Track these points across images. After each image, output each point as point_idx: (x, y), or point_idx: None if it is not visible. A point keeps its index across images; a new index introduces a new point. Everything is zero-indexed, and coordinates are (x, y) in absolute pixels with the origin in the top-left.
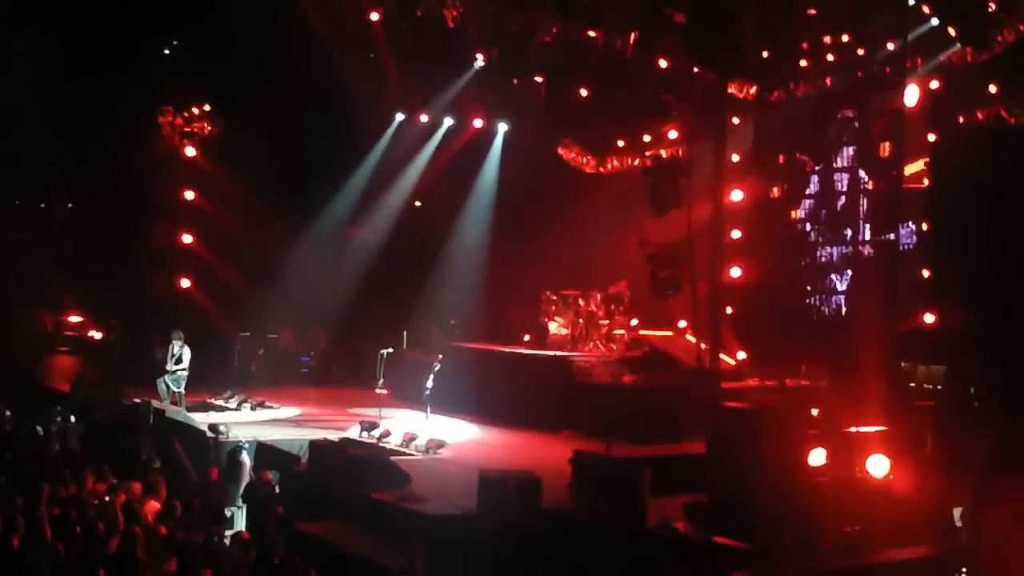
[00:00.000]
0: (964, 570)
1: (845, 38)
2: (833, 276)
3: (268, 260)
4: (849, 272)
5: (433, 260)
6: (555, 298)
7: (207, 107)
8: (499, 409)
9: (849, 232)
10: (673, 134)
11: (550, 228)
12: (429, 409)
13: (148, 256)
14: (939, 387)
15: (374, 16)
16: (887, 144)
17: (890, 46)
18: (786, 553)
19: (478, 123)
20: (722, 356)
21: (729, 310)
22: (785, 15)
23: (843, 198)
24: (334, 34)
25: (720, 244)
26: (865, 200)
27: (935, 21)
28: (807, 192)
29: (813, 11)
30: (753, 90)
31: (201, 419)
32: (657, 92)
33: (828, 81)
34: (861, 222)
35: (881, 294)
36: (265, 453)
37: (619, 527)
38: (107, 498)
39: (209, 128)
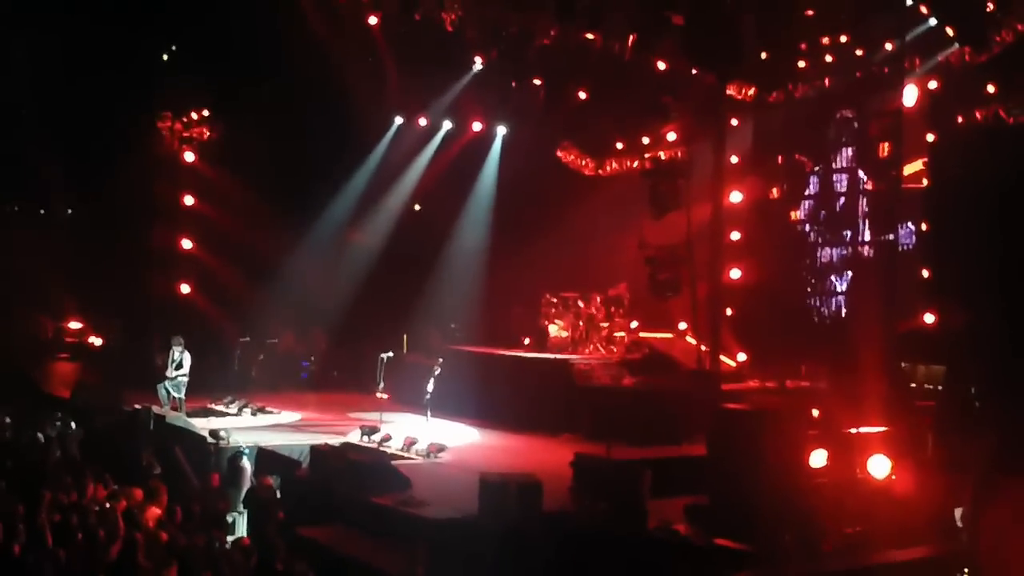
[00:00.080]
0: (966, 571)
1: (843, 39)
2: (833, 277)
3: (268, 264)
4: (849, 273)
5: (433, 263)
6: (555, 300)
7: (206, 112)
8: (499, 412)
9: (848, 233)
10: (672, 136)
11: (549, 230)
12: (429, 413)
13: (148, 260)
14: (939, 387)
15: (373, 19)
16: (886, 144)
17: (888, 46)
18: (787, 554)
19: (477, 126)
20: (722, 358)
21: (729, 312)
22: (784, 16)
23: (842, 199)
24: (333, 37)
25: (719, 245)
26: (864, 200)
27: (933, 21)
28: (806, 193)
29: (811, 12)
30: (752, 91)
31: (202, 424)
32: (656, 94)
33: (827, 82)
34: (860, 222)
35: (881, 294)
36: (266, 458)
37: (620, 530)
38: (108, 504)
39: (208, 133)
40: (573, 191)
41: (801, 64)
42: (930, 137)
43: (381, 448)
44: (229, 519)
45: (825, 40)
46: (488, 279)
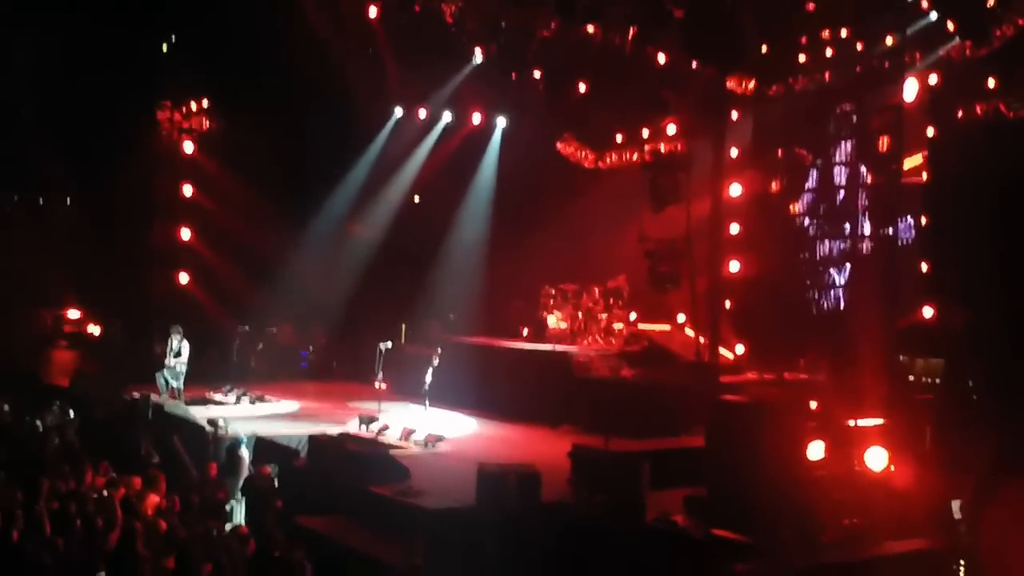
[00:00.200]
0: (962, 563)
1: (844, 33)
2: (832, 270)
3: (267, 255)
4: (848, 266)
5: (432, 255)
6: (554, 292)
7: (205, 103)
8: (498, 403)
9: (848, 226)
10: (672, 129)
11: (549, 223)
12: (428, 403)
13: (147, 252)
14: (938, 381)
15: (373, 11)
16: (886, 138)
17: (889, 41)
18: (785, 546)
19: (477, 118)
20: (721, 350)
21: (728, 304)
22: (784, 10)
23: (842, 192)
24: (333, 29)
25: (719, 239)
26: (864, 194)
27: (934, 16)
28: (806, 187)
29: (812, 5)
30: (752, 85)
31: (200, 413)
32: (656, 87)
33: (827, 76)
34: (860, 216)
35: (880, 288)
36: (264, 447)
37: (618, 521)
38: (106, 493)
39: (208, 124)
40: (573, 184)
41: (801, 58)
42: (930, 131)
43: (379, 438)
44: (227, 508)
45: (825, 34)
46: (487, 271)
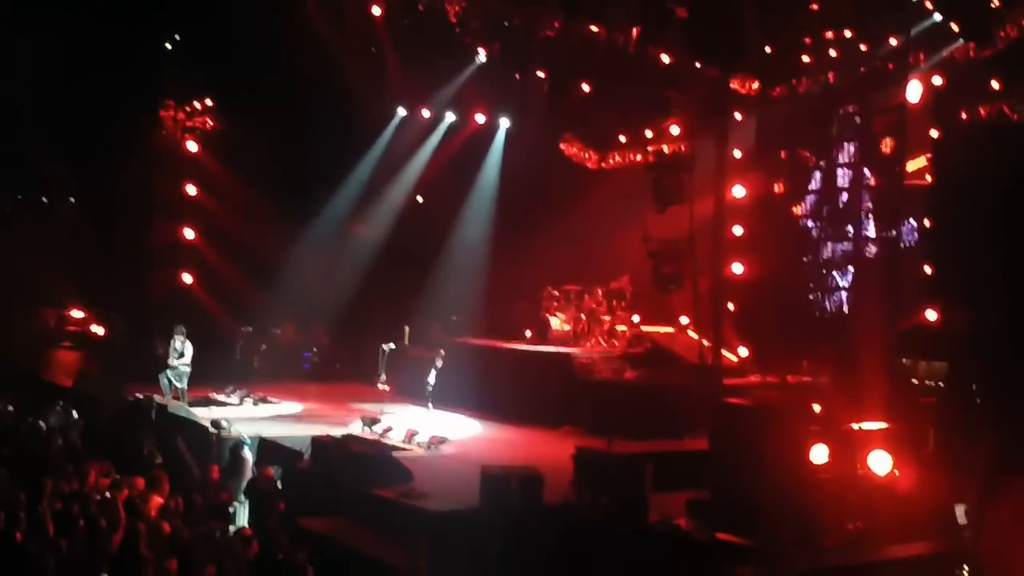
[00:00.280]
0: (966, 567)
1: (848, 34)
2: (835, 272)
3: (270, 255)
4: (851, 268)
5: (435, 256)
6: (557, 294)
7: (208, 102)
8: (501, 405)
9: (851, 228)
10: (675, 130)
11: (552, 223)
12: (431, 405)
13: (150, 252)
14: (941, 384)
15: (376, 11)
16: (889, 140)
17: (893, 42)
18: (788, 550)
19: (480, 118)
20: (724, 352)
21: (731, 306)
22: (787, 10)
23: (845, 194)
24: (335, 29)
25: (722, 240)
26: (867, 196)
27: (937, 17)
28: (809, 188)
29: (815, 6)
30: (755, 86)
31: (203, 414)
32: (659, 88)
33: (830, 77)
34: (863, 218)
35: (883, 291)
36: (267, 449)
37: (621, 524)
38: (108, 494)
39: (211, 123)
40: (576, 184)
41: (805, 59)
42: (934, 133)
43: (383, 440)
44: (230, 510)
45: (829, 35)
46: (490, 272)
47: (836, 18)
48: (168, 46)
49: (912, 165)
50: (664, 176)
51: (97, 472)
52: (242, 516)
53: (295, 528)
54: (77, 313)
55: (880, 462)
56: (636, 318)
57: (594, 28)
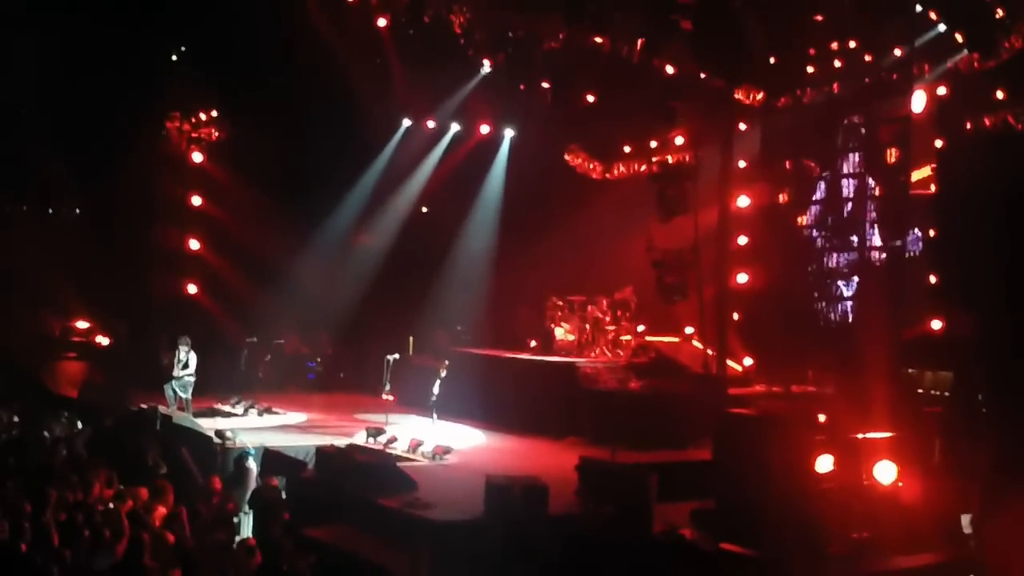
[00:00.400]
0: None
1: (852, 44)
2: (840, 282)
3: (275, 265)
4: (856, 278)
5: (439, 265)
6: (561, 304)
7: (214, 113)
8: (505, 415)
9: (856, 238)
10: (680, 140)
11: (556, 233)
12: (435, 415)
13: (155, 261)
14: (946, 393)
15: (381, 22)
16: (894, 150)
17: (897, 52)
18: (793, 560)
19: (485, 129)
20: (729, 362)
21: (736, 316)
22: (792, 21)
23: (850, 204)
24: (341, 40)
25: (727, 250)
26: (872, 206)
27: (942, 27)
28: (814, 198)
29: (820, 17)
30: (760, 96)
31: (208, 425)
32: (663, 98)
33: (835, 87)
34: (868, 228)
35: (888, 300)
36: (272, 459)
37: (625, 533)
38: (112, 505)
39: (216, 134)
40: (580, 194)
41: (810, 69)
42: (939, 143)
43: (387, 450)
44: (235, 519)
45: (834, 45)
46: (495, 281)
47: (841, 28)
48: (174, 57)
49: (917, 175)
50: (668, 186)
51: (101, 482)
52: (246, 526)
53: (299, 538)
54: (82, 323)
55: (885, 472)
56: (641, 328)
57: (598, 39)
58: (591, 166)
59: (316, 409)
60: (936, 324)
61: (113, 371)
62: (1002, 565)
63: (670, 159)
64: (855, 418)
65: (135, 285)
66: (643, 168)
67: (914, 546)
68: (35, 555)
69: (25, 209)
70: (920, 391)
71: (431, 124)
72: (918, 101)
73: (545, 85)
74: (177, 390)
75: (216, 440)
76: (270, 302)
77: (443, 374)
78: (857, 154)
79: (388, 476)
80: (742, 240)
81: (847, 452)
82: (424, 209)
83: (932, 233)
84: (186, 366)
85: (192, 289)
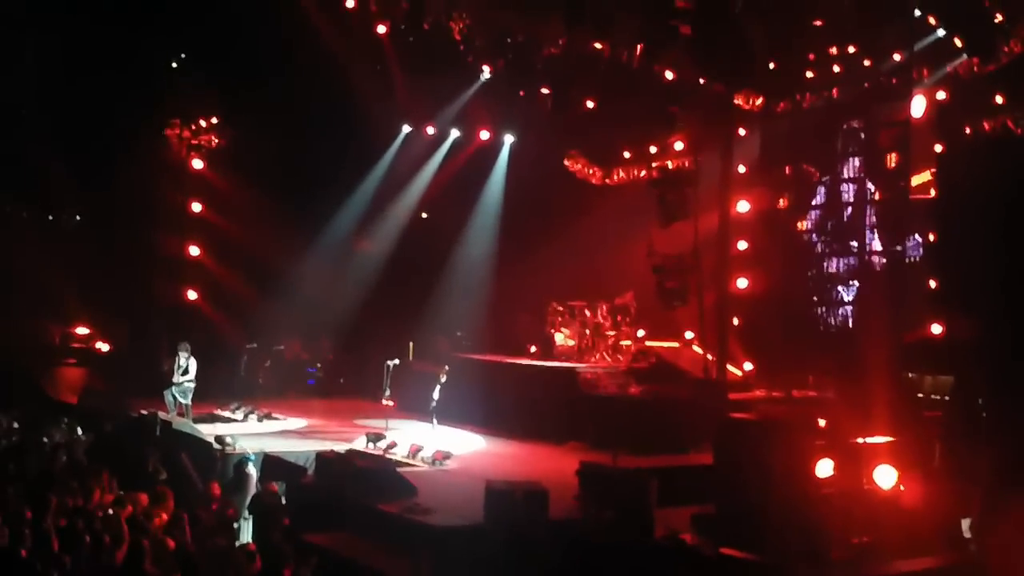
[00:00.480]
0: None
1: (852, 49)
2: (840, 287)
3: (275, 271)
4: (856, 283)
5: (439, 271)
6: (561, 309)
7: (214, 120)
8: (505, 420)
9: (856, 243)
10: (679, 145)
11: (556, 239)
12: (435, 420)
13: (155, 267)
14: (947, 398)
15: (381, 29)
16: (894, 155)
17: (897, 57)
18: (793, 564)
19: (484, 135)
20: (729, 367)
21: (736, 321)
22: (791, 26)
23: (849, 209)
24: (341, 47)
25: (727, 255)
26: (872, 211)
27: (941, 32)
28: (813, 203)
29: (820, 22)
30: (759, 101)
31: (208, 430)
32: (663, 103)
33: (835, 92)
34: (868, 232)
35: (888, 305)
36: (271, 464)
37: (626, 538)
38: (111, 511)
39: (216, 140)
40: (580, 200)
41: (809, 74)
42: (938, 148)
43: (387, 455)
44: (235, 525)
45: (833, 50)
46: (495, 287)
47: (840, 33)
48: (174, 64)
49: (916, 179)
50: (668, 191)
51: (101, 488)
52: (246, 532)
53: (299, 543)
54: (82, 330)
55: (886, 476)
56: (641, 333)
57: (598, 44)
58: (591, 171)
59: (316, 415)
60: (936, 328)
61: (113, 377)
62: (1004, 570)
63: (670, 164)
64: (855, 422)
65: (135, 291)
66: (643, 173)
67: (915, 550)
68: (35, 561)
69: (25, 216)
70: (920, 395)
71: (431, 130)
72: (918, 106)
73: (545, 91)
74: (177, 396)
75: (216, 446)
76: (270, 308)
77: (443, 379)
78: (857, 159)
79: (388, 481)
80: (742, 245)
81: (847, 456)
82: (424, 215)
83: (932, 238)
84: (186, 372)
85: (192, 295)
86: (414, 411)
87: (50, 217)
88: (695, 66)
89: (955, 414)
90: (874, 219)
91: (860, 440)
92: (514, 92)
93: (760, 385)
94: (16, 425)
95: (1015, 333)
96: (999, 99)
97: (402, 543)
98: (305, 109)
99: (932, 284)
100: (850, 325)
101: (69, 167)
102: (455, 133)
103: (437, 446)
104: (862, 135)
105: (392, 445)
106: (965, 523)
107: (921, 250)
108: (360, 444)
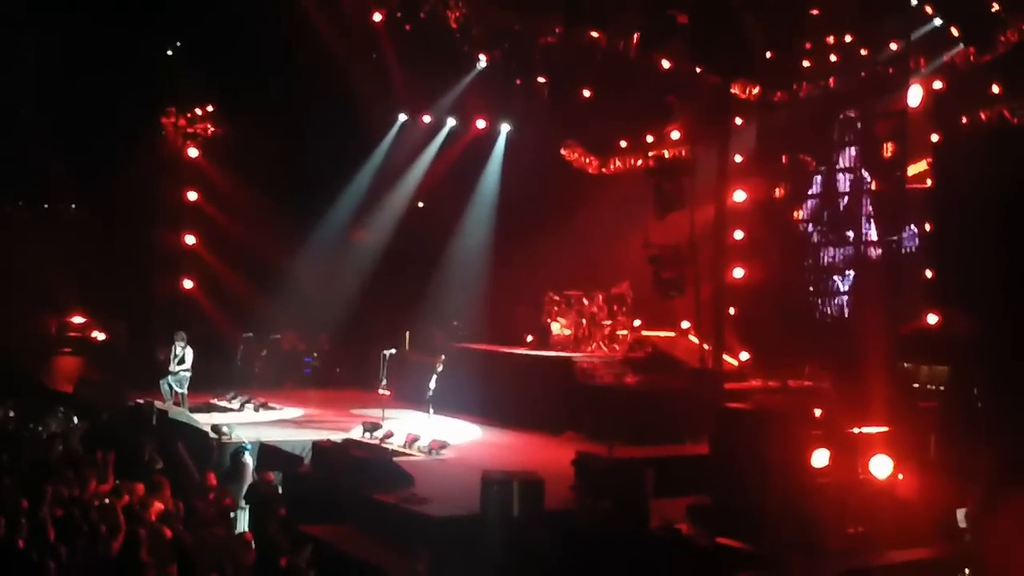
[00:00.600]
0: (967, 572)
1: (848, 38)
2: (836, 277)
3: (271, 261)
4: (852, 273)
5: (436, 261)
6: (558, 299)
7: (210, 108)
8: (502, 410)
9: (852, 233)
10: (676, 135)
11: (553, 229)
12: (432, 410)
13: (151, 257)
14: (942, 388)
15: (377, 17)
16: (890, 145)
17: (893, 46)
18: (789, 554)
19: (481, 124)
20: (725, 357)
21: (732, 311)
22: (788, 16)
23: (846, 199)
24: (337, 35)
25: (723, 245)
26: (868, 201)
27: (938, 21)
28: (810, 193)
29: (817, 11)
30: (756, 91)
31: (204, 420)
32: (660, 93)
33: (831, 81)
34: (864, 222)
35: (884, 295)
36: (268, 454)
37: (622, 528)
38: (107, 500)
39: (212, 129)
40: (577, 190)
41: (806, 64)
42: (934, 137)
43: (383, 445)
44: (231, 515)
45: (830, 40)
46: (491, 277)
47: (837, 23)
48: (170, 52)
49: (913, 169)
50: (665, 181)
51: (97, 474)
52: (243, 521)
53: (295, 533)
54: (78, 319)
55: (881, 466)
56: (637, 322)
57: (595, 34)
58: (587, 161)
59: (312, 404)
60: (932, 319)
61: (109, 366)
62: (1004, 569)
63: (666, 154)
64: (851, 413)
65: (132, 281)
66: (639, 163)
67: (910, 540)
68: (32, 551)
69: (21, 204)
70: (916, 386)
71: (427, 119)
72: (914, 95)
73: (541, 80)
74: (173, 385)
75: (212, 435)
76: (267, 298)
77: (439, 369)
78: (853, 149)
79: (384, 471)
80: (738, 235)
81: (843, 447)
82: (420, 204)
83: (928, 228)
84: (182, 361)
85: (188, 284)
86: (411, 401)
87: (45, 205)
88: (691, 56)
89: (950, 405)
90: (870, 209)
91: (856, 430)
92: (510, 81)
93: (756, 375)
94: (12, 415)
95: (1011, 323)
96: (996, 89)
97: (398, 533)
98: (302, 99)
99: (928, 274)
100: (846, 315)
101: (68, 161)
102: (451, 122)
103: (433, 436)
104: (859, 125)
105: (388, 435)
106: (960, 514)
107: (917, 240)
108: (356, 434)
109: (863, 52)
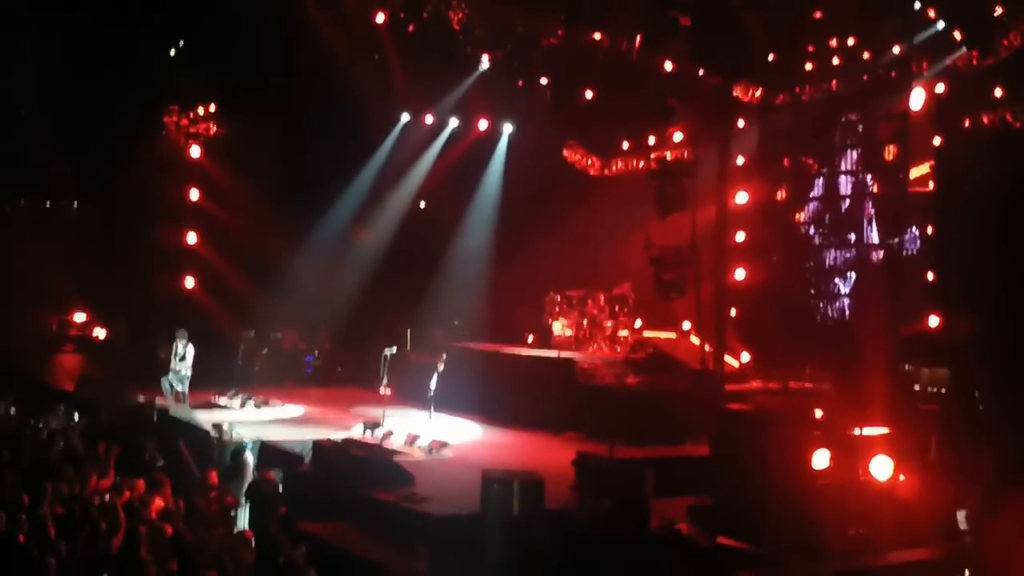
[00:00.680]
0: (967, 573)
1: (851, 41)
2: (837, 279)
3: (273, 260)
4: (853, 275)
5: (438, 261)
6: (559, 299)
7: (212, 107)
8: (502, 410)
9: (853, 235)
10: (678, 136)
11: (555, 229)
12: (432, 409)
13: (153, 256)
14: (943, 390)
15: (380, 17)
16: (892, 147)
17: (896, 50)
18: (789, 555)
19: (483, 124)
20: (726, 358)
21: (733, 312)
22: (791, 18)
23: (847, 201)
24: (340, 35)
25: (724, 246)
26: (870, 203)
27: (941, 25)
28: (811, 195)
29: (819, 14)
30: (758, 93)
31: (205, 418)
32: (662, 95)
33: (834, 84)
34: (866, 225)
35: (885, 297)
36: (268, 452)
37: (622, 529)
38: (107, 497)
39: (214, 129)
40: (579, 190)
41: (808, 66)
42: (937, 141)
43: (384, 444)
44: (232, 513)
45: (833, 42)
46: (493, 277)
47: (839, 26)
48: (172, 52)
49: (915, 172)
50: (667, 183)
51: (97, 469)
52: (243, 519)
53: (295, 531)
54: (79, 317)
55: (882, 468)
56: (638, 323)
57: (597, 36)
58: (589, 162)
59: (313, 403)
60: (933, 321)
61: (110, 364)
62: (1003, 567)
63: (668, 156)
64: (852, 414)
65: (134, 279)
66: (641, 165)
67: (910, 541)
68: (32, 547)
69: (27, 209)
70: (916, 387)
71: (429, 119)
72: (916, 98)
73: (544, 81)
74: (174, 383)
75: (213, 433)
76: (268, 296)
77: (441, 368)
78: (855, 151)
79: (384, 470)
80: (740, 237)
81: (843, 448)
82: (422, 204)
83: (930, 231)
84: (183, 359)
85: (189, 283)
86: (411, 400)
87: (47, 202)
88: (694, 57)
89: (951, 407)
90: (872, 212)
91: (856, 432)
92: (513, 82)
93: (757, 376)
94: (12, 412)
95: (1012, 325)
96: (998, 92)
97: (398, 532)
98: (303, 99)
99: (930, 277)
100: (847, 317)
101: (69, 160)
102: (454, 122)
103: (434, 435)
104: (861, 127)
105: (389, 434)
106: (960, 515)
107: (919, 243)
108: (357, 432)
109: (865, 55)
